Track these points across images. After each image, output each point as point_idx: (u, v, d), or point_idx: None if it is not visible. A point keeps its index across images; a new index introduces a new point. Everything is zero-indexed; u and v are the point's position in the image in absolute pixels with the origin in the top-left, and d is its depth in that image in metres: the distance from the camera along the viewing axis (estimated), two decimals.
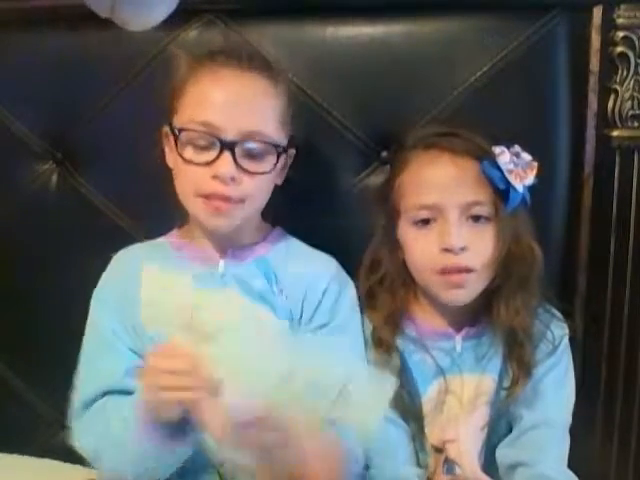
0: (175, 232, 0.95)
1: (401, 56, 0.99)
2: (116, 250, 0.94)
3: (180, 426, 0.76)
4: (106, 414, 0.83)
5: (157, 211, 0.93)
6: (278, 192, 0.93)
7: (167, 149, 0.89)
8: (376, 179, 1.01)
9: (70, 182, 1.08)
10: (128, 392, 0.84)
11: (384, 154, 1.02)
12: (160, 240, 0.96)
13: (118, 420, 0.80)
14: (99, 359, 0.87)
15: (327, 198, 1.02)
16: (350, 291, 0.93)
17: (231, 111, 0.83)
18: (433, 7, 0.99)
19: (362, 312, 0.93)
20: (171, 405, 0.73)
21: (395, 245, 0.90)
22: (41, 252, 1.09)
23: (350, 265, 0.95)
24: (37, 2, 1.03)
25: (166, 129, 0.88)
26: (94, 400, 0.86)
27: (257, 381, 0.70)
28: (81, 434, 0.85)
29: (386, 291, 0.91)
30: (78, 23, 0.95)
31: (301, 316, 0.90)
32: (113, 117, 1.03)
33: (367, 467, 0.88)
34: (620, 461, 1.03)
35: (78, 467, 1.06)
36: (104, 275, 0.93)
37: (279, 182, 0.93)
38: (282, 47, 1.00)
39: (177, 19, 1.01)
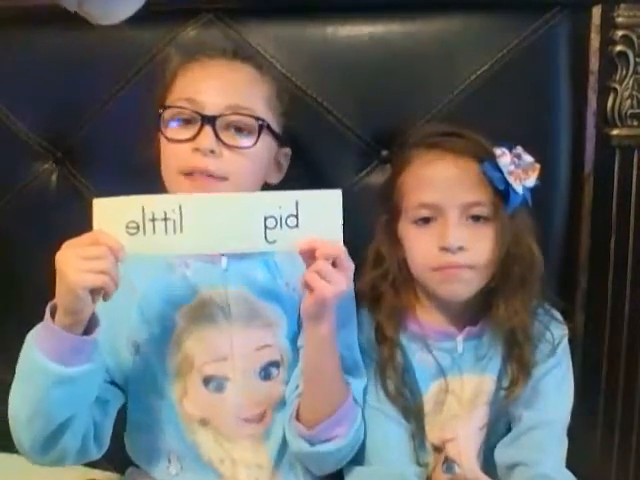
0: None
1: (401, 55, 0.99)
2: None
3: (82, 343, 0.75)
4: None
5: None
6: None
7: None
8: (376, 178, 1.02)
9: (70, 181, 1.08)
10: None
11: (384, 153, 1.02)
12: None
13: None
14: None
15: None
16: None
17: (215, 89, 0.86)
18: (433, 6, 0.99)
19: (366, 307, 0.93)
20: (85, 290, 0.72)
21: (396, 243, 0.90)
22: (41, 252, 1.09)
23: None
24: (37, 1, 1.03)
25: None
26: None
27: None
28: None
29: (389, 287, 0.91)
30: (78, 23, 0.95)
31: None
32: (113, 116, 1.04)
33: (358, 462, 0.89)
34: (620, 461, 1.03)
35: (77, 466, 1.06)
36: None
37: (275, 181, 0.93)
38: (282, 47, 1.01)
39: (176, 18, 1.02)
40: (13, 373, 1.12)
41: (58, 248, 1.06)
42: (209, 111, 0.84)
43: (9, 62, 1.06)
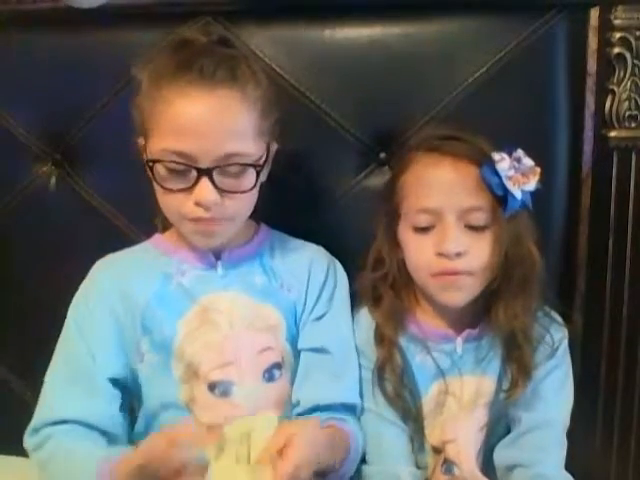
0: (160, 237, 0.94)
1: (399, 57, 0.99)
2: (114, 251, 0.94)
3: None
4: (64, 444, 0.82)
5: (155, 212, 0.93)
6: (276, 193, 0.93)
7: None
8: (374, 180, 1.02)
9: (68, 183, 1.08)
10: (88, 425, 0.83)
11: (382, 155, 1.02)
12: (145, 245, 0.95)
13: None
14: (68, 384, 0.86)
15: (325, 199, 1.02)
16: (343, 279, 0.94)
17: (205, 138, 0.79)
18: (431, 8, 0.99)
19: (366, 307, 0.93)
20: None
21: (396, 245, 0.91)
22: (39, 254, 1.09)
23: (348, 265, 0.95)
24: (37, 5, 1.03)
25: (141, 140, 0.87)
26: (50, 424, 0.84)
27: None
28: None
29: (389, 288, 0.92)
30: (77, 24, 0.96)
31: (304, 308, 0.91)
32: (111, 118, 1.03)
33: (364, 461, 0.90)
34: (620, 461, 1.03)
35: None
36: (85, 289, 0.91)
37: (263, 178, 0.91)
38: (280, 49, 1.01)
39: (175, 21, 1.02)
40: (13, 375, 1.13)
41: (57, 249, 1.07)
42: (204, 163, 0.80)
43: (8, 63, 1.06)
